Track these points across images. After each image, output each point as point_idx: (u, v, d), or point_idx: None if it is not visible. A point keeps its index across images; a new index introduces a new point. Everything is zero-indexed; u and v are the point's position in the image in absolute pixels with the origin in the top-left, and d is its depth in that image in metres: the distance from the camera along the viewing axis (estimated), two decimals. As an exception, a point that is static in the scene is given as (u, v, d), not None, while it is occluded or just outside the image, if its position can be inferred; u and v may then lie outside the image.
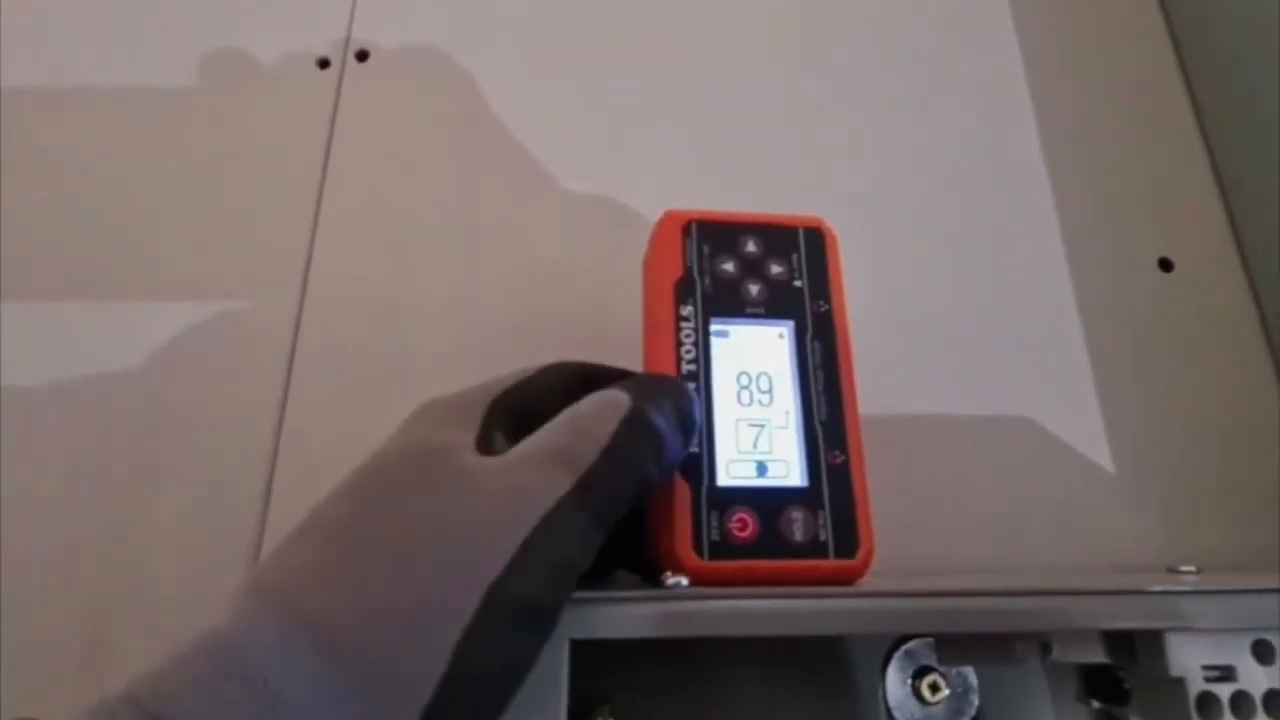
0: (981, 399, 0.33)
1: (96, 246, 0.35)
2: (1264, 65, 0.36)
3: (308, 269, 0.35)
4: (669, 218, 0.24)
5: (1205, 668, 0.19)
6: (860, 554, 0.21)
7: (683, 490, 0.20)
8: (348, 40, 0.40)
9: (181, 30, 0.40)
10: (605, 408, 0.19)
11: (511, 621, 0.16)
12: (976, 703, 0.26)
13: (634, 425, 0.18)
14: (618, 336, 0.27)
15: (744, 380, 0.22)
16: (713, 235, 0.23)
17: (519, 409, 0.21)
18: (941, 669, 0.27)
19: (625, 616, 0.18)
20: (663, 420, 0.19)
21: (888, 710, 0.25)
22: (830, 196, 0.37)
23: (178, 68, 0.39)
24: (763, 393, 0.22)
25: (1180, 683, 0.19)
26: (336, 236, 0.35)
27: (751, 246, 0.24)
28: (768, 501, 0.21)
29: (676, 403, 0.20)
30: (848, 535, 0.21)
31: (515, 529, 0.16)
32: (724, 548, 0.20)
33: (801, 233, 0.24)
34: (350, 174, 0.37)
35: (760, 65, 0.40)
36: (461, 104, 0.38)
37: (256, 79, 0.39)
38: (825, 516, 0.21)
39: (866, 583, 0.22)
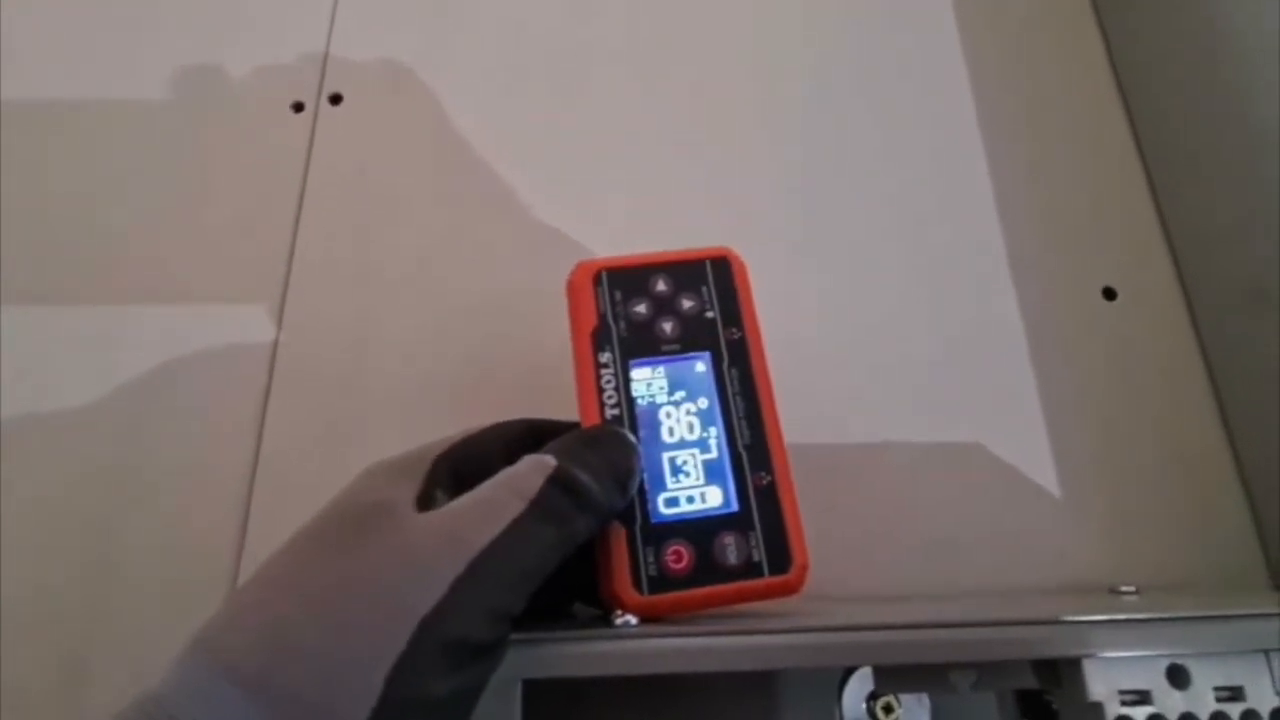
0: (931, 424, 0.35)
1: (76, 279, 0.36)
2: (1203, 103, 0.37)
3: (283, 305, 0.36)
4: (579, 270, 0.25)
5: (1122, 692, 0.20)
6: (794, 569, 0.22)
7: (618, 531, 0.21)
8: (321, 84, 0.41)
9: (157, 76, 0.41)
10: (535, 467, 0.20)
11: (445, 656, 0.17)
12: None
13: (558, 483, 0.19)
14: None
15: (667, 416, 0.23)
16: (623, 280, 0.24)
17: (463, 466, 0.22)
18: (896, 700, 0.28)
19: (576, 656, 0.19)
20: (588, 477, 0.20)
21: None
22: (783, 225, 0.38)
23: (151, 114, 0.40)
24: (687, 426, 0.23)
25: (1098, 707, 0.20)
26: (311, 275, 0.36)
27: (662, 285, 0.25)
28: (701, 530, 0.22)
29: (609, 457, 0.21)
30: (780, 552, 0.22)
31: (446, 569, 0.18)
32: (662, 581, 0.21)
33: (709, 264, 0.25)
34: (324, 214, 0.38)
35: (718, 99, 0.41)
36: (433, 146, 0.40)
37: (232, 122, 0.40)
38: (757, 537, 0.22)
39: (810, 612, 0.23)
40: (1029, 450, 0.35)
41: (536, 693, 0.19)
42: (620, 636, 0.20)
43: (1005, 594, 0.32)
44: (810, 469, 0.33)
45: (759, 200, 0.39)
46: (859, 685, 0.29)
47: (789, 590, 0.22)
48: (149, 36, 0.42)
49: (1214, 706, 0.20)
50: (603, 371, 0.23)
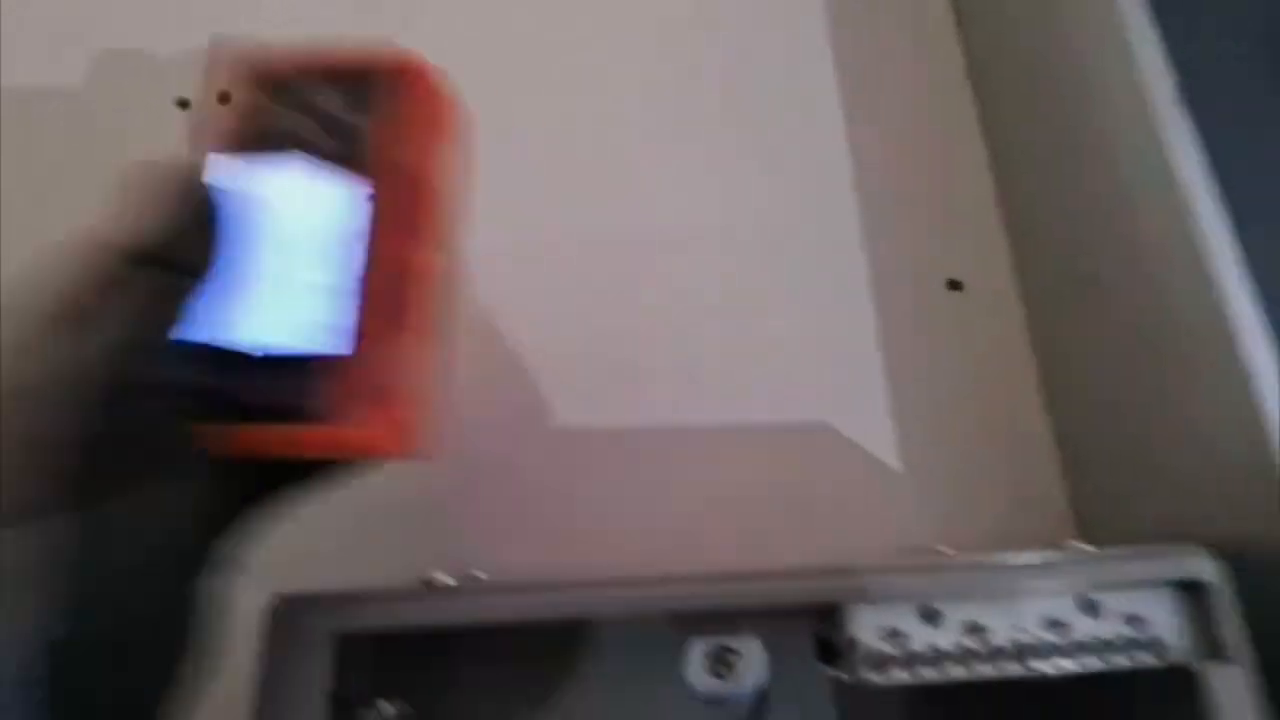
0: (782, 406, 0.38)
1: None
2: (1045, 101, 0.40)
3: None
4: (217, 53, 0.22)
5: (879, 628, 0.23)
6: (384, 423, 0.19)
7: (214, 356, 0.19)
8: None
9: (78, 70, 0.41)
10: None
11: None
12: (765, 674, 0.29)
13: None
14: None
15: (296, 242, 0.20)
16: (274, 82, 0.22)
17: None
18: (732, 646, 0.30)
19: (383, 610, 0.21)
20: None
21: (687, 689, 0.28)
22: (646, 204, 0.41)
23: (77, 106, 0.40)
24: (314, 253, 0.20)
25: (858, 642, 0.23)
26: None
27: (323, 95, 0.21)
28: (299, 368, 0.19)
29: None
30: (375, 402, 0.19)
31: None
32: (243, 412, 0.19)
33: (377, 75, 0.22)
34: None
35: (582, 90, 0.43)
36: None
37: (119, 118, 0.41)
38: (359, 383, 0.19)
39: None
40: (874, 431, 0.38)
41: (350, 648, 0.21)
42: (434, 594, 0.22)
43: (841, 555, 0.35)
44: (650, 450, 0.35)
45: (634, 187, 0.41)
46: (699, 645, 0.32)
47: (382, 448, 0.19)
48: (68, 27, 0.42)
49: (960, 639, 0.23)
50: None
